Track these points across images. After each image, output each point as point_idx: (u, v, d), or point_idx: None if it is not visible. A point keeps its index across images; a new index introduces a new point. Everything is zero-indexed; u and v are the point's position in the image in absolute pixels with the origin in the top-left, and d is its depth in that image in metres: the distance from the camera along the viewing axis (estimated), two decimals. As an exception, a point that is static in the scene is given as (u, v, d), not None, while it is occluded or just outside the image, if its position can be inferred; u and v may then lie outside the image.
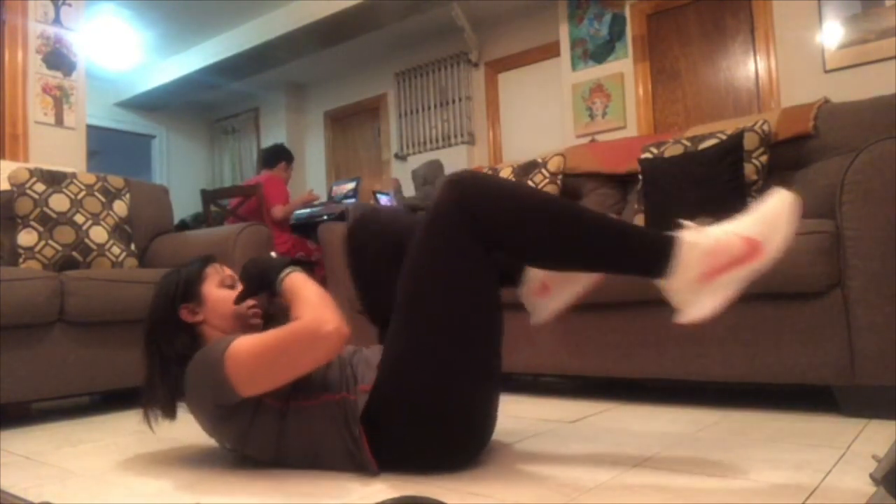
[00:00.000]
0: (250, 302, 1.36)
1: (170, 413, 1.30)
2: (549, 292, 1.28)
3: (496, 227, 1.09)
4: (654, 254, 1.04)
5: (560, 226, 1.08)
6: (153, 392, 1.29)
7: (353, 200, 5.06)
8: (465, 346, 1.14)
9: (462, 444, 1.20)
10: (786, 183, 2.04)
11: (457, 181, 1.13)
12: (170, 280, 1.37)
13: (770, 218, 1.01)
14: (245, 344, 1.15)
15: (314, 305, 1.15)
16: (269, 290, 1.29)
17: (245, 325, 1.35)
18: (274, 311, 1.35)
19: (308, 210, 4.37)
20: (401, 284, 1.18)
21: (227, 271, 1.41)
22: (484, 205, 1.09)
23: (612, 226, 1.09)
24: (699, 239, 1.02)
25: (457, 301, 1.13)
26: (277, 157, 4.35)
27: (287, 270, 1.25)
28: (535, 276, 1.27)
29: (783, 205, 1.01)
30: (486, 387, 1.20)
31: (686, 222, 1.05)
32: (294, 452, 1.21)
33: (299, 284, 1.22)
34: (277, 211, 3.94)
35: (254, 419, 1.20)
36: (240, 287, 1.37)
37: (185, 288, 1.34)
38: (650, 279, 1.06)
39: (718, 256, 1.00)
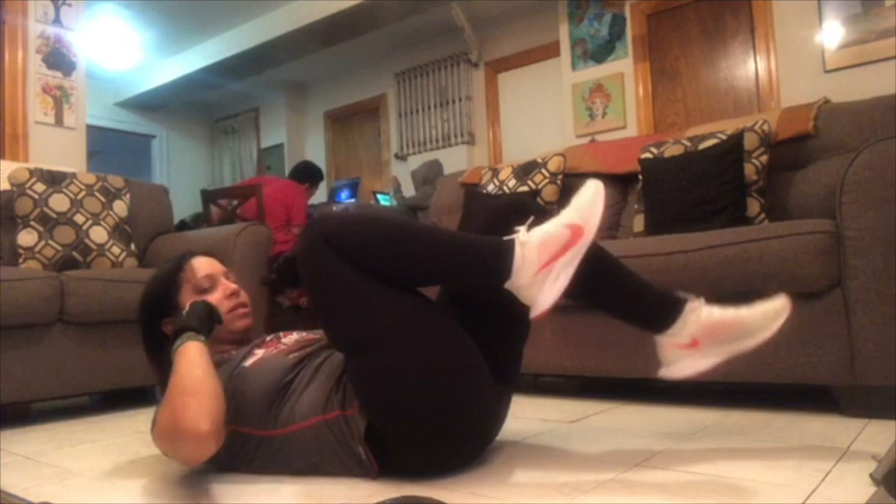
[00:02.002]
0: (228, 303, 1.33)
1: None
2: (699, 348, 1.18)
3: (351, 250, 1.10)
4: (495, 259, 1.09)
5: (408, 250, 1.12)
6: None
7: (352, 201, 5.07)
8: (417, 358, 1.10)
9: (463, 444, 1.18)
10: (786, 183, 2.05)
11: (311, 223, 1.15)
12: (145, 296, 1.33)
13: (584, 204, 1.12)
14: (158, 421, 1.09)
15: (169, 403, 1.03)
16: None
17: (230, 330, 1.32)
18: (308, 313, 1.33)
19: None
20: (328, 337, 1.18)
21: (202, 271, 1.34)
22: (342, 237, 1.10)
23: (454, 240, 1.15)
24: (530, 238, 1.10)
25: (385, 323, 1.10)
26: (308, 176, 4.34)
27: (177, 343, 1.13)
28: (686, 330, 1.17)
29: (593, 190, 1.14)
30: (473, 385, 1.15)
31: (518, 227, 1.13)
32: (289, 471, 1.19)
33: (175, 367, 1.09)
34: (297, 230, 3.99)
35: (231, 455, 1.17)
36: (220, 287, 1.34)
37: (161, 303, 1.30)
38: (500, 284, 1.10)
39: (548, 247, 1.09)
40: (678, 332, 1.16)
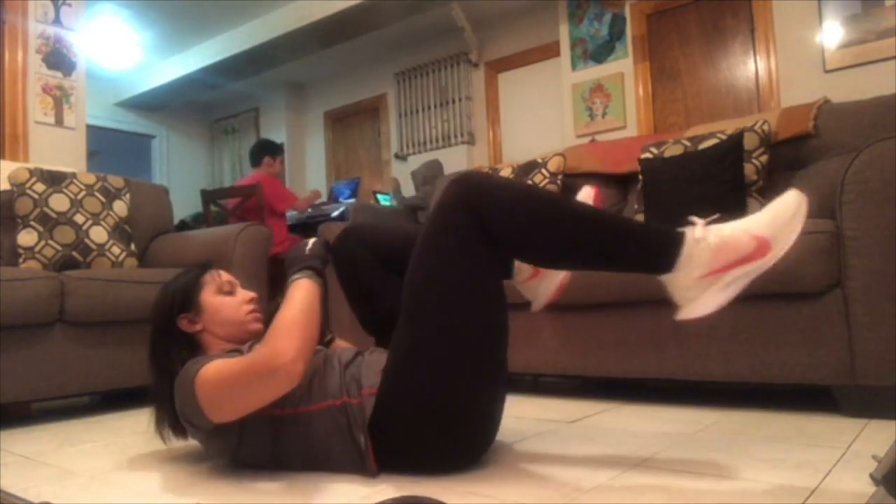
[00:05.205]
0: (248, 307, 1.35)
1: (179, 431, 1.28)
2: (540, 274, 1.28)
3: (502, 227, 1.08)
4: (659, 249, 1.02)
5: (565, 227, 1.07)
6: (161, 409, 1.28)
7: (352, 201, 5.07)
8: (471, 347, 1.12)
9: (466, 446, 1.19)
10: (786, 183, 2.05)
11: (461, 181, 1.12)
12: (167, 291, 1.35)
13: (782, 217, 1.01)
14: (212, 369, 1.11)
15: (277, 332, 1.09)
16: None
17: (245, 330, 1.33)
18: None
19: (307, 210, 4.37)
20: (406, 285, 1.16)
21: (225, 277, 1.38)
22: (489, 204, 1.08)
23: (618, 226, 1.08)
24: (706, 235, 1.01)
25: (464, 302, 1.11)
26: (259, 154, 4.20)
27: (298, 275, 1.21)
28: (524, 264, 1.25)
29: (795, 205, 1.01)
30: (492, 389, 1.19)
31: (695, 218, 1.04)
32: (291, 457, 1.20)
33: (289, 297, 1.16)
34: (293, 211, 3.96)
35: (241, 434, 1.18)
36: (239, 293, 1.37)
37: (183, 298, 1.32)
38: (654, 275, 1.04)
39: (725, 253, 0.99)
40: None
